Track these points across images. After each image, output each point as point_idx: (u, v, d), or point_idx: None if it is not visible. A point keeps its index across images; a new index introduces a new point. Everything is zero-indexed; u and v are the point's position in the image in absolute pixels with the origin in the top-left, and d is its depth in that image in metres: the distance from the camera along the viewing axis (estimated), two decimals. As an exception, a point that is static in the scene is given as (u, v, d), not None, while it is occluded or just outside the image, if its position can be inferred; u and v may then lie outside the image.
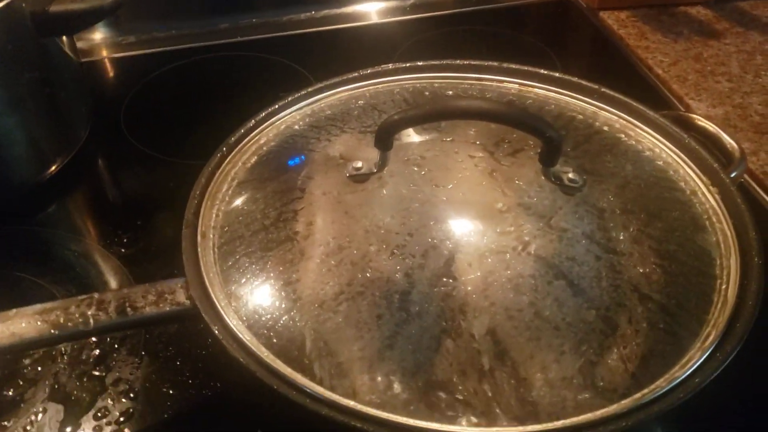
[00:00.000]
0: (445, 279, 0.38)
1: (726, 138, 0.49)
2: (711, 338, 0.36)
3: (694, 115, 0.52)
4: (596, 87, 0.51)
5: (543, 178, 0.42)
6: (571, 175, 0.42)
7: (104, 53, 0.79)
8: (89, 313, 0.38)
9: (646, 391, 0.34)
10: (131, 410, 0.43)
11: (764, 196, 0.58)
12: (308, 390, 0.34)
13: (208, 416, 0.44)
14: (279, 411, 0.37)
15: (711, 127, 0.51)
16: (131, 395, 0.44)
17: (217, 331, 0.37)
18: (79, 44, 0.77)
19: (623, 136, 0.48)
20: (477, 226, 0.41)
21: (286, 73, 0.74)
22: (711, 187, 0.45)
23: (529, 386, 0.35)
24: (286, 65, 0.75)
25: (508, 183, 0.42)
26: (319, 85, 0.52)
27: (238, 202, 0.45)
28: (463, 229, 0.40)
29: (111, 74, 0.78)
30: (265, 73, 0.75)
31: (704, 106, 0.66)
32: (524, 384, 0.35)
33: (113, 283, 0.52)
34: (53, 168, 0.61)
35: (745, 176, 0.59)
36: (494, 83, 0.53)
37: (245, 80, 0.74)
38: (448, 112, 0.42)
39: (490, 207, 0.41)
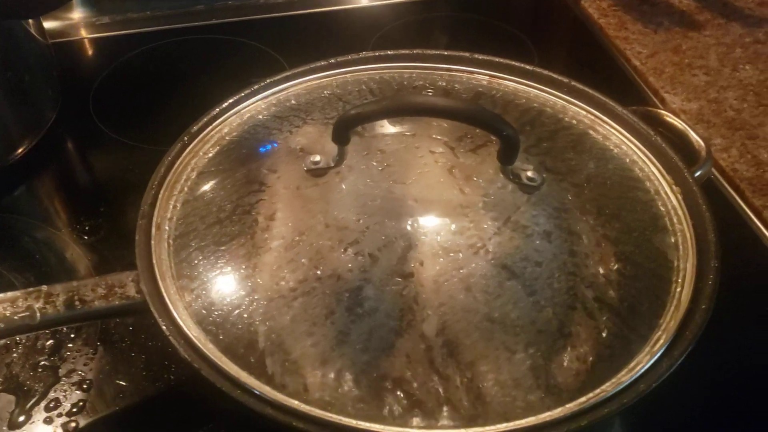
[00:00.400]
0: (398, 278, 0.38)
1: (693, 135, 0.49)
2: (660, 342, 0.35)
3: (663, 111, 0.52)
4: (566, 81, 0.51)
5: (501, 176, 0.41)
6: (530, 174, 0.42)
7: (76, 34, 0.78)
8: (36, 306, 0.38)
9: (591, 395, 0.33)
10: (83, 402, 0.43)
11: (733, 193, 0.57)
12: (252, 389, 0.34)
13: (160, 409, 0.43)
14: (230, 406, 0.36)
15: (679, 123, 0.50)
16: (84, 387, 0.44)
17: (164, 327, 0.36)
18: (53, 24, 0.76)
19: (591, 131, 0.48)
20: (433, 223, 0.40)
21: (260, 58, 0.73)
22: (674, 187, 0.44)
23: (478, 386, 0.35)
24: (261, 50, 0.74)
25: (467, 180, 0.42)
26: (287, 73, 0.52)
27: (196, 193, 0.44)
28: (418, 226, 0.40)
29: (82, 56, 0.77)
30: (240, 58, 0.73)
31: (679, 100, 0.66)
32: (474, 384, 0.35)
33: (74, 271, 0.52)
34: (19, 152, 0.60)
35: (715, 173, 0.59)
36: (464, 75, 0.52)
37: (218, 65, 0.73)
38: (405, 109, 0.41)
39: (448, 204, 0.41)
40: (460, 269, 0.38)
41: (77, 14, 0.79)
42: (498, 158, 0.41)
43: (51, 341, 0.46)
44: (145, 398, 0.43)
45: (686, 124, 0.50)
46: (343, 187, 0.42)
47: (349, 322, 0.37)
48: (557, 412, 0.33)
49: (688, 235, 0.41)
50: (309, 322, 0.37)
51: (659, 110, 0.53)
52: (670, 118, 0.51)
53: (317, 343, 0.36)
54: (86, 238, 0.54)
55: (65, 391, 0.43)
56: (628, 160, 0.46)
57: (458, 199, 0.41)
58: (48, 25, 0.72)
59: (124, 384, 0.44)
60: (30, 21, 0.59)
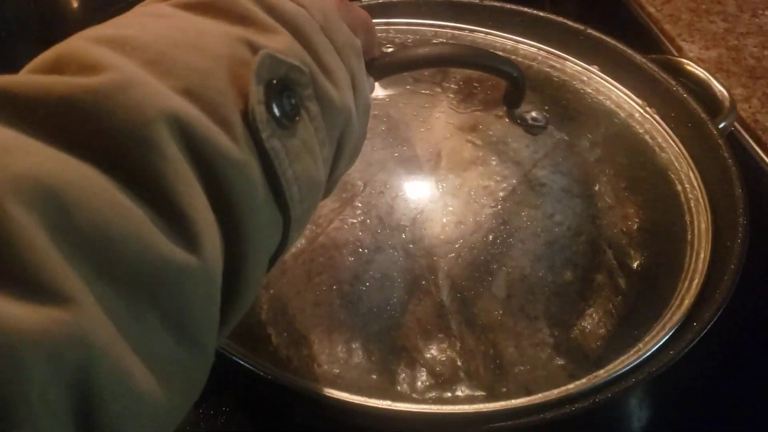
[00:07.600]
0: (411, 242, 0.36)
1: (716, 85, 0.47)
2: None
3: (684, 60, 0.49)
4: (582, 28, 0.49)
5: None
6: (534, 114, 0.41)
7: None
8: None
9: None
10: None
11: (754, 145, 0.55)
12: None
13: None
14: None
15: (701, 72, 0.48)
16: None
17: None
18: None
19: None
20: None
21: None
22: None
23: (498, 351, 0.33)
24: None
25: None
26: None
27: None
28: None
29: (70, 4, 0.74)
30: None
31: (697, 48, 0.63)
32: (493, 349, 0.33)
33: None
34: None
35: (735, 124, 0.56)
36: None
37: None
38: (408, 62, 0.37)
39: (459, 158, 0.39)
40: (475, 223, 0.36)
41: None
42: (504, 101, 0.39)
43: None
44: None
45: (707, 73, 0.48)
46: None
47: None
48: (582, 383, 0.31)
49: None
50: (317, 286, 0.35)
51: (680, 59, 0.50)
52: (692, 67, 0.48)
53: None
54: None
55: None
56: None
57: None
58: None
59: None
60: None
